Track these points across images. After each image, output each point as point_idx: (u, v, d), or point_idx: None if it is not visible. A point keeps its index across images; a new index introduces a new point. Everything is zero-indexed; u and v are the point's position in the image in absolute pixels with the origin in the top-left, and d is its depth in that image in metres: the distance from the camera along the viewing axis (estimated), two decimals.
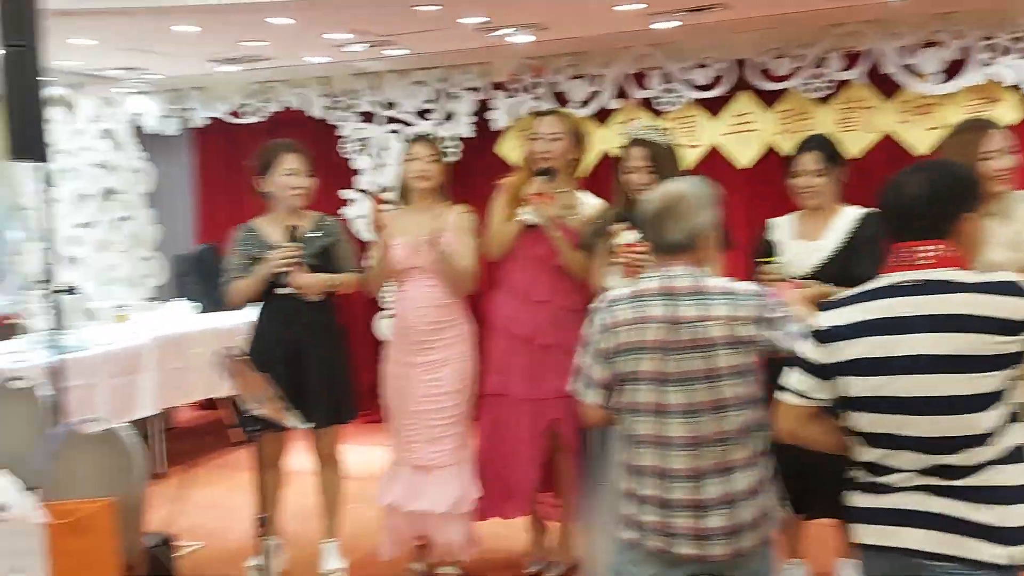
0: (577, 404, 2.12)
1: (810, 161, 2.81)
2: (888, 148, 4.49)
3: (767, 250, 2.71)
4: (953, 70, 4.25)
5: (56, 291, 3.02)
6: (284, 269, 2.98)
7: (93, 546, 2.42)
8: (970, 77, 4.20)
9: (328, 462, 3.26)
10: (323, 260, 3.14)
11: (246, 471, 2.73)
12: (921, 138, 4.38)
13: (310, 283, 3.06)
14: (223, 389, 4.01)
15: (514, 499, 3.14)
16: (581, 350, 2.07)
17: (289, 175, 3.11)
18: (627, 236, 2.74)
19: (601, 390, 2.03)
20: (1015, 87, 4.18)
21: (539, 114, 3.21)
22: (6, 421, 3.16)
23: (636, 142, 2.88)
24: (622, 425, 2.01)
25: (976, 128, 2.71)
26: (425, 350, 3.10)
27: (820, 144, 2.84)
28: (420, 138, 3.22)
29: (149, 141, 6.01)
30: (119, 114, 5.64)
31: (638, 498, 1.98)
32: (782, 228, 2.90)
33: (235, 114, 5.69)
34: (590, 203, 3.15)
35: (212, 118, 5.76)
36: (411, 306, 3.11)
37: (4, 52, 2.87)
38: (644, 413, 1.97)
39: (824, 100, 4.52)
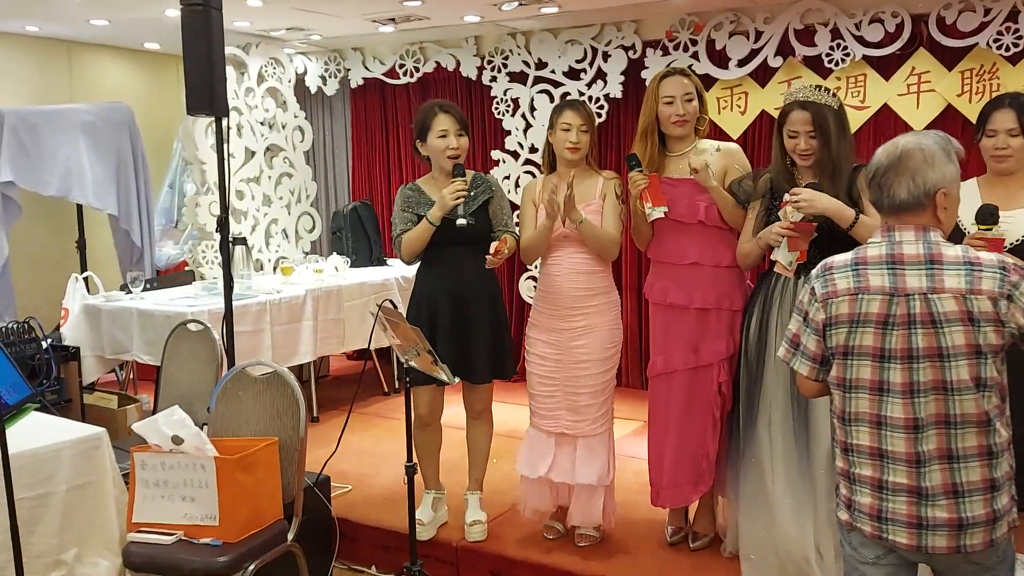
0: (793, 374, 2.02)
1: (1006, 120, 2.57)
2: None
3: (991, 214, 2.48)
4: None
5: (229, 241, 3.19)
6: (455, 203, 3.01)
7: (258, 481, 2.57)
8: None
9: (481, 416, 3.33)
10: (481, 215, 3.18)
11: (393, 420, 2.82)
12: None
13: (503, 250, 3.05)
14: (376, 340, 4.19)
15: (700, 477, 3.05)
16: (796, 316, 1.97)
17: (442, 136, 3.14)
18: (793, 215, 2.62)
19: (813, 362, 1.93)
20: None
21: (665, 75, 2.99)
22: (181, 361, 3.40)
23: (797, 104, 2.70)
24: (837, 401, 1.91)
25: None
26: (571, 316, 3.08)
27: (1017, 102, 2.58)
28: (571, 105, 3.10)
29: (310, 100, 6.25)
30: (284, 74, 5.88)
31: (853, 478, 1.88)
32: (968, 194, 2.67)
33: (390, 74, 5.82)
34: (723, 148, 3.03)
35: (368, 78, 5.92)
36: (558, 272, 3.09)
37: (181, 11, 3.03)
38: (861, 390, 1.84)
39: (1014, 58, 4.11)
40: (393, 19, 4.93)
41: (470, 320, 3.17)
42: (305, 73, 6.02)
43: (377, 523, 3.44)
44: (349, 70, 5.96)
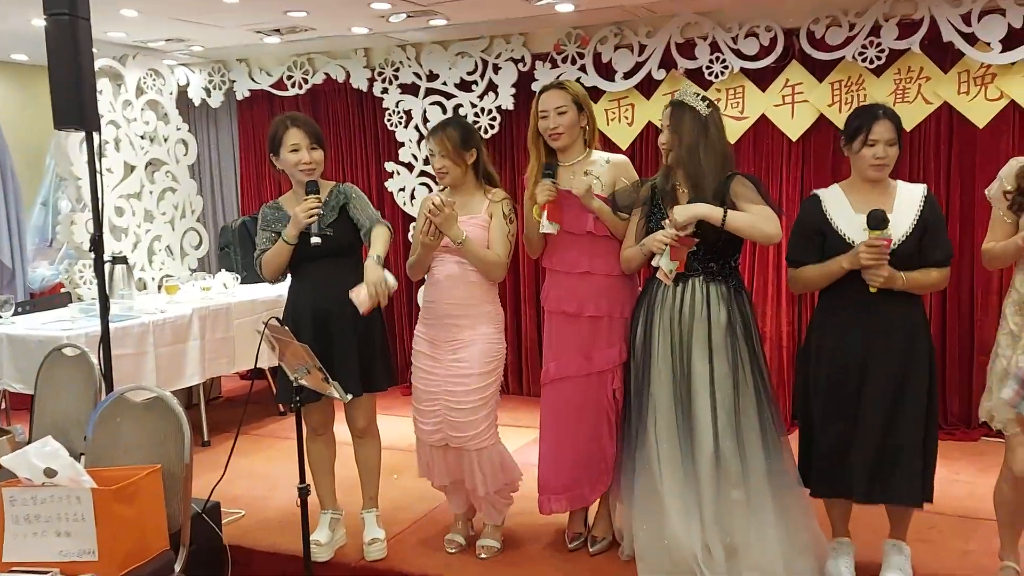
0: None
1: (885, 131, 2.69)
2: (945, 121, 4.35)
3: (883, 219, 2.61)
4: (1016, 38, 4.06)
5: (106, 261, 3.04)
6: (308, 221, 2.95)
7: (140, 512, 2.44)
8: None
9: (365, 434, 3.26)
10: (343, 225, 3.10)
11: (288, 440, 2.75)
12: (981, 109, 4.22)
13: (374, 282, 2.91)
14: (267, 359, 4.07)
15: (595, 480, 3.10)
16: None
17: (294, 151, 3.06)
18: (671, 229, 2.73)
19: None
20: None
21: (542, 90, 3.06)
22: (57, 388, 3.22)
23: (670, 103, 2.85)
24: None
25: None
26: (450, 328, 3.07)
27: (891, 114, 2.73)
28: (433, 131, 3.08)
29: (194, 112, 6.06)
30: (164, 86, 5.68)
31: None
32: (835, 200, 2.81)
33: (278, 85, 5.70)
34: (612, 160, 3.09)
35: (255, 90, 5.78)
36: (438, 282, 3.08)
37: (46, 20, 2.88)
38: None
39: (878, 70, 4.37)
40: (278, 30, 4.83)
41: (333, 335, 3.08)
42: (187, 85, 5.82)
43: (272, 548, 3.34)
44: (234, 82, 5.80)
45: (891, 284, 2.64)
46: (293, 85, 5.64)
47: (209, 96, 5.87)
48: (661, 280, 2.85)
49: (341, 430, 3.30)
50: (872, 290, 2.65)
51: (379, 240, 3.03)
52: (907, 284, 2.66)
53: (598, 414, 3.05)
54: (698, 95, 2.87)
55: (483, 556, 3.18)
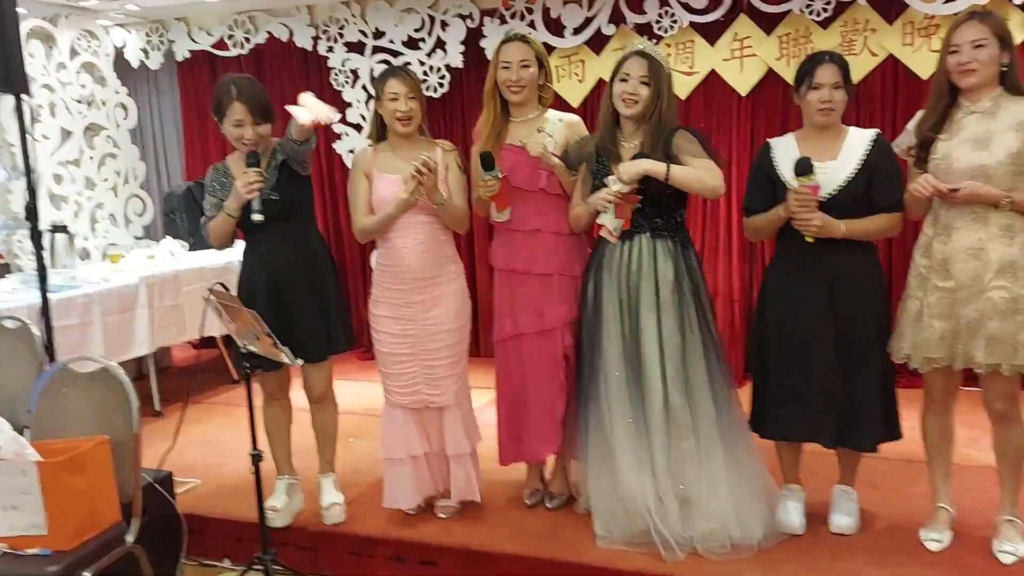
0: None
1: (830, 74, 2.71)
2: (892, 72, 4.39)
3: (809, 166, 2.64)
4: None
5: (46, 230, 2.95)
6: (250, 196, 2.86)
7: (89, 483, 2.41)
8: None
9: (322, 400, 3.23)
10: (289, 183, 3.00)
11: (243, 407, 2.72)
12: (925, 61, 4.26)
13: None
14: (217, 327, 4.01)
15: (546, 436, 3.11)
16: None
17: (236, 126, 2.95)
18: (617, 185, 2.71)
19: None
20: (1022, 6, 4.04)
21: (505, 41, 3.00)
22: None
23: (636, 52, 2.80)
24: None
25: (955, 20, 2.61)
26: (423, 289, 3.04)
27: (837, 59, 2.74)
28: (394, 73, 2.99)
29: (133, 75, 5.86)
30: (100, 47, 5.47)
31: None
32: (785, 148, 2.84)
33: (219, 46, 5.53)
34: (566, 119, 3.08)
35: (196, 50, 5.60)
36: (405, 244, 3.01)
37: None
38: None
39: (825, 23, 4.38)
40: None
41: (292, 303, 3.03)
42: (124, 46, 5.62)
43: (228, 515, 3.31)
44: (173, 42, 5.62)
45: (830, 233, 2.67)
46: (235, 45, 5.47)
47: (147, 58, 5.68)
48: (607, 238, 2.84)
49: (297, 396, 3.27)
50: (808, 239, 2.68)
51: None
52: (848, 231, 2.69)
53: (550, 372, 3.06)
54: (654, 48, 2.86)
55: (442, 516, 3.19)
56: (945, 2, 4.12)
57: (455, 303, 3.08)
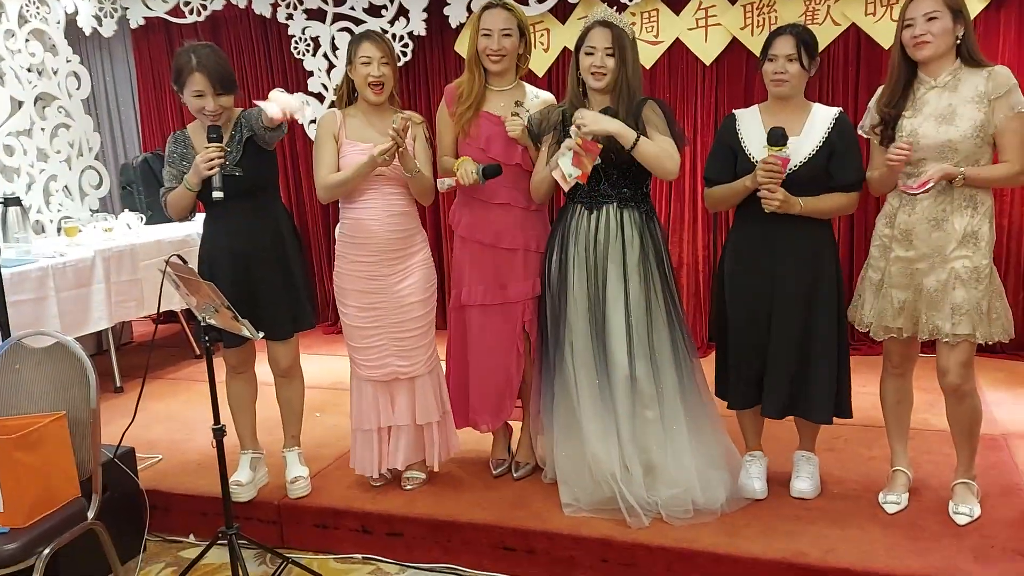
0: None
1: (786, 46, 2.71)
2: (855, 42, 4.41)
3: (783, 136, 2.63)
4: None
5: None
6: (210, 173, 2.80)
7: (46, 459, 2.36)
8: None
9: (288, 374, 3.19)
10: (254, 157, 2.95)
11: (206, 382, 2.68)
12: (887, 31, 4.28)
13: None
14: (178, 301, 3.94)
15: (501, 407, 3.14)
16: None
17: (197, 97, 2.87)
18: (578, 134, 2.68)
19: None
20: None
21: (487, 7, 2.96)
22: None
23: (598, 23, 2.76)
24: None
25: None
26: (392, 261, 3.01)
27: (796, 30, 2.74)
28: (369, 36, 2.94)
29: (86, 43, 5.69)
30: (50, 14, 5.30)
31: None
32: (750, 120, 2.84)
33: (175, 12, 5.39)
34: (542, 96, 3.06)
35: (151, 18, 5.45)
36: (373, 216, 2.97)
37: None
38: None
39: None
40: None
41: (257, 279, 2.99)
42: (76, 13, 5.45)
43: (192, 490, 3.28)
44: (127, 9, 5.46)
45: (787, 209, 2.69)
46: (191, 12, 5.33)
47: (100, 25, 5.51)
48: (559, 182, 2.75)
49: (262, 371, 3.23)
50: (767, 211, 2.69)
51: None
52: (805, 209, 2.71)
53: (507, 344, 3.07)
54: (619, 17, 2.83)
55: (408, 487, 3.19)
56: None
57: (423, 273, 3.06)
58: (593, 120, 2.66)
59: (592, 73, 2.76)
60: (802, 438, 3.04)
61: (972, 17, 4.10)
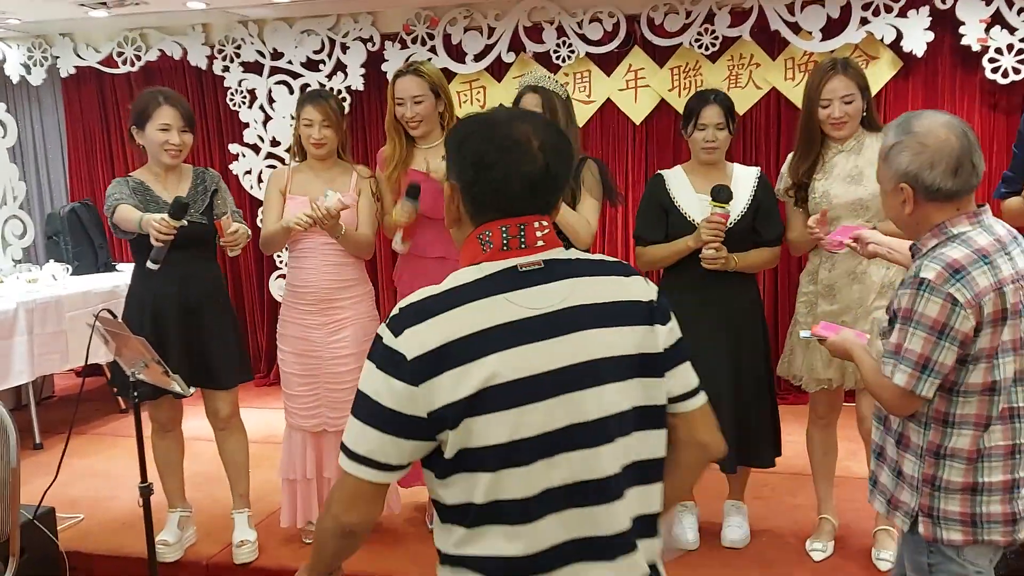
0: (898, 398, 1.74)
1: (714, 115, 2.84)
2: (775, 105, 4.62)
3: (727, 194, 2.74)
4: (834, 27, 4.37)
5: None
6: (157, 243, 2.72)
7: None
8: (850, 35, 4.34)
9: (229, 425, 3.14)
10: (210, 208, 3.01)
11: (131, 438, 2.61)
12: None
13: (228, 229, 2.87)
14: (103, 355, 3.83)
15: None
16: (918, 335, 1.68)
17: (163, 130, 2.90)
18: None
19: (940, 377, 1.69)
20: (892, 45, 4.34)
21: (398, 74, 3.02)
22: None
23: (529, 88, 2.85)
24: (980, 407, 1.72)
25: (820, 71, 2.77)
26: (328, 311, 3.01)
27: (720, 98, 2.88)
28: (312, 99, 3.00)
29: (13, 91, 5.59)
30: None
31: (993, 487, 1.72)
32: (676, 179, 2.95)
33: (108, 62, 5.35)
34: None
35: (82, 67, 5.39)
36: (310, 266, 3.01)
37: None
38: (1000, 392, 1.72)
39: (713, 57, 4.59)
40: (104, 3, 4.52)
41: (204, 326, 2.98)
42: (4, 61, 5.36)
43: (114, 551, 3.17)
44: (58, 58, 5.39)
45: (725, 266, 2.79)
46: (124, 62, 5.30)
47: (29, 73, 5.43)
48: None
49: (194, 426, 3.16)
50: (707, 267, 2.79)
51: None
52: (740, 264, 2.82)
53: None
54: (550, 78, 2.93)
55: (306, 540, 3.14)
56: (822, 40, 4.38)
57: (364, 324, 3.06)
58: None
59: None
60: (732, 487, 3.11)
61: (884, 83, 4.39)
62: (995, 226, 1.76)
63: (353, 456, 1.31)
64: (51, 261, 4.95)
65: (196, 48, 5.18)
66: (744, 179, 2.90)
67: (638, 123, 4.78)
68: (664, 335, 1.35)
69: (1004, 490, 1.73)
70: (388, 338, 1.28)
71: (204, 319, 2.98)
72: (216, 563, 3.06)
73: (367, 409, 1.31)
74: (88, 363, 2.80)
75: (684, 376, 1.39)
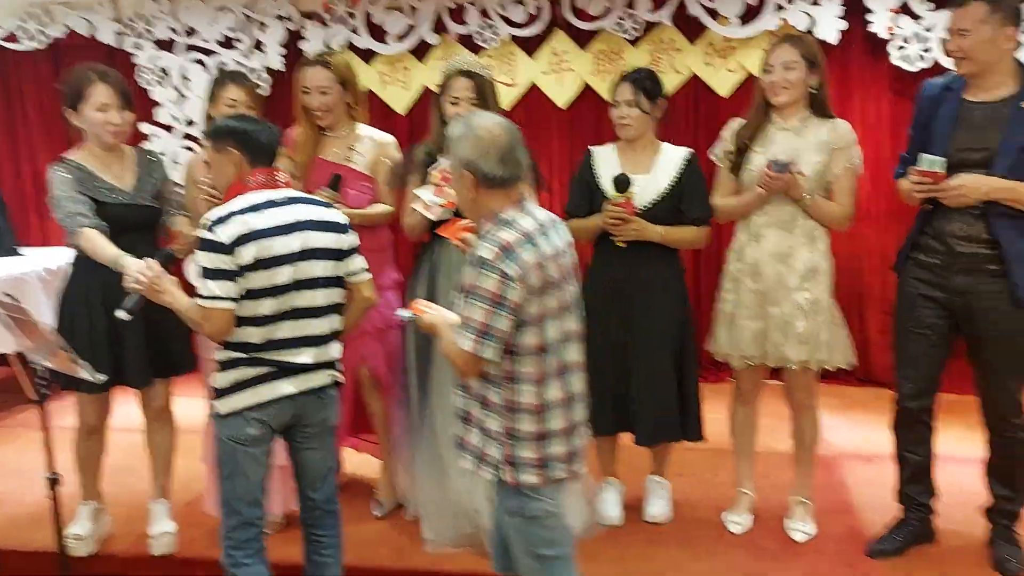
0: (466, 362, 1.98)
1: (625, 92, 2.89)
2: (695, 89, 4.70)
3: (626, 182, 2.78)
4: (752, 14, 4.46)
5: None
6: (130, 291, 2.49)
7: None
8: (766, 21, 4.43)
9: (160, 417, 3.05)
10: (157, 199, 2.92)
11: (38, 430, 2.51)
12: (723, 80, 4.60)
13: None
14: (12, 344, 3.66)
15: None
16: (479, 306, 1.92)
17: (101, 110, 2.77)
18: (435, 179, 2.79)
19: (501, 343, 1.95)
20: (808, 32, 4.44)
21: (305, 63, 3.01)
22: None
23: (462, 73, 2.84)
24: (532, 366, 1.99)
25: (772, 42, 2.86)
26: None
27: (637, 77, 2.91)
28: (232, 78, 2.93)
29: None
30: None
31: (556, 433, 2.03)
32: (605, 157, 2.98)
33: (10, 38, 5.08)
34: (377, 139, 3.12)
35: None
36: None
37: None
38: (568, 342, 2.05)
39: (635, 41, 4.63)
40: None
41: (158, 309, 2.81)
42: None
43: (25, 546, 3.05)
44: None
45: (648, 236, 2.84)
46: (29, 38, 5.05)
47: None
48: (422, 212, 2.83)
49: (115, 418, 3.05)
50: (620, 244, 2.84)
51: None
52: (665, 237, 2.87)
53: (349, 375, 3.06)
54: (478, 63, 2.93)
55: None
56: (741, 26, 4.47)
57: None
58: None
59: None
60: (655, 463, 3.17)
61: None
62: (536, 212, 2.05)
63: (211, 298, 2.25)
64: None
65: (104, 24, 4.97)
66: (671, 159, 2.94)
67: (563, 106, 4.80)
68: (349, 241, 2.36)
69: (563, 434, 2.04)
70: None
71: (157, 309, 2.84)
72: (132, 556, 2.97)
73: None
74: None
75: (355, 263, 2.39)
